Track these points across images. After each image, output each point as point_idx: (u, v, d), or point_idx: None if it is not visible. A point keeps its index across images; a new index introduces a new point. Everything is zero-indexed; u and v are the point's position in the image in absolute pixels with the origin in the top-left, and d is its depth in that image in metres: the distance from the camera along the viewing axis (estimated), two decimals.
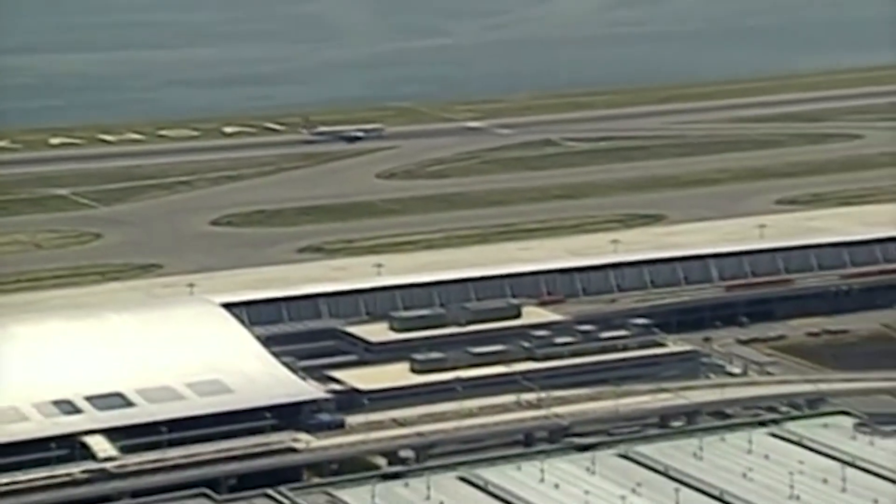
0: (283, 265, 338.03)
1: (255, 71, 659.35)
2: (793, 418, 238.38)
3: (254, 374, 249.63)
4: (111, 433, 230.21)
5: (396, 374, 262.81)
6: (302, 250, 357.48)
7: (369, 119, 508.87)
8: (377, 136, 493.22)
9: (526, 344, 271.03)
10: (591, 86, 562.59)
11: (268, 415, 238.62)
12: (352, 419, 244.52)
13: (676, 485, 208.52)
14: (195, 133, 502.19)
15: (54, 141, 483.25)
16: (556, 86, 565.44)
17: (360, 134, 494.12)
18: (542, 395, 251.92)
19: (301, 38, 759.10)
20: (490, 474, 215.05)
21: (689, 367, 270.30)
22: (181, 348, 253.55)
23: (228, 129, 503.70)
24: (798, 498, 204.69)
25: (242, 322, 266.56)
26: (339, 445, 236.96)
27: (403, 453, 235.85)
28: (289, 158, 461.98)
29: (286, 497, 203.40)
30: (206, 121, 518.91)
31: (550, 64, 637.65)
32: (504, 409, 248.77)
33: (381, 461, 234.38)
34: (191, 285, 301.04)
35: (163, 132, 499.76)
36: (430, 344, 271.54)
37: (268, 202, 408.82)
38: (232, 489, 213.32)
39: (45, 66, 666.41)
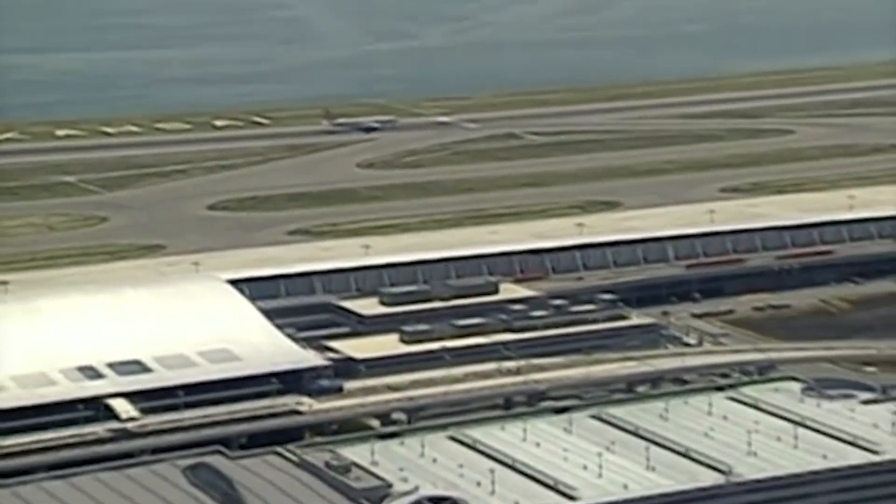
0: (275, 246, 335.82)
1: (239, 70, 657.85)
2: (746, 384, 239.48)
3: (259, 343, 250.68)
4: (132, 396, 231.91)
5: (387, 345, 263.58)
6: (292, 232, 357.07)
7: (385, 112, 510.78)
8: (392, 128, 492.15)
9: (504, 317, 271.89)
10: (547, 85, 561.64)
11: (273, 380, 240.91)
12: (349, 385, 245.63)
13: (646, 443, 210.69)
14: (188, 126, 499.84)
15: (60, 132, 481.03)
16: (516, 84, 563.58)
17: (375, 125, 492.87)
18: (521, 363, 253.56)
19: (282, 40, 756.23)
20: (477, 434, 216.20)
21: (650, 338, 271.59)
22: (192, 320, 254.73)
23: (219, 123, 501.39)
24: (755, 454, 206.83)
25: (246, 297, 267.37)
26: (338, 408, 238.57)
27: (396, 415, 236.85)
28: (276, 149, 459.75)
29: (293, 454, 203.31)
30: (197, 115, 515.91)
31: (509, 65, 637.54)
32: (486, 375, 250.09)
33: (376, 423, 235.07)
34: (196, 263, 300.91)
35: (159, 125, 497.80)
36: (417, 317, 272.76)
37: (258, 189, 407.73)
38: (242, 447, 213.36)
39: (48, 64, 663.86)
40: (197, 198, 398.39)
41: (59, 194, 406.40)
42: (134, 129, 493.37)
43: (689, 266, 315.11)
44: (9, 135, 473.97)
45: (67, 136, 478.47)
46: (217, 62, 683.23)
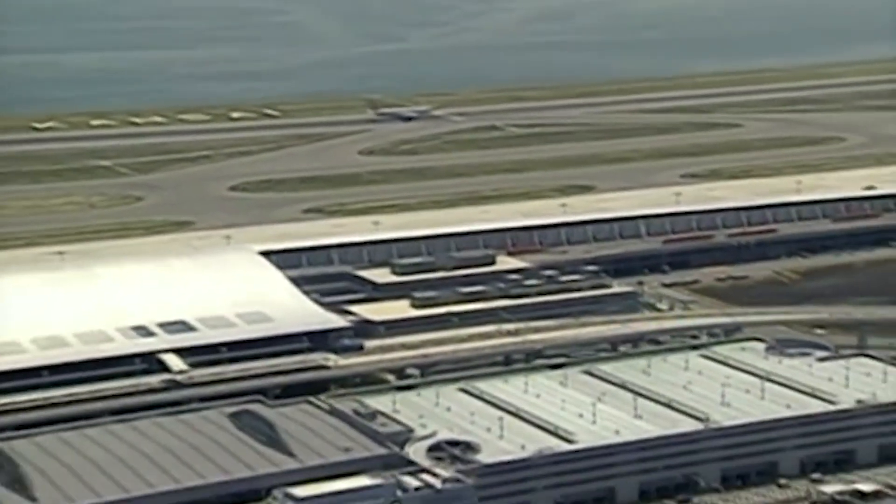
0: (292, 223, 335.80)
1: (247, 68, 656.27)
2: (716, 343, 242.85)
3: (289, 307, 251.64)
4: (181, 352, 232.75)
5: (400, 309, 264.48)
6: (306, 211, 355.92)
7: (422, 102, 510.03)
8: (428, 117, 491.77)
9: (501, 285, 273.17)
10: (523, 82, 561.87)
11: (302, 339, 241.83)
12: (368, 343, 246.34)
13: (632, 395, 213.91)
14: (207, 117, 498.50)
15: (94, 122, 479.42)
16: (495, 82, 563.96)
17: (413, 114, 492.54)
18: (518, 325, 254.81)
19: (283, 42, 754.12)
20: (483, 386, 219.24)
21: (628, 304, 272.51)
22: (230, 286, 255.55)
23: (235, 115, 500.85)
24: (728, 404, 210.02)
25: (274, 266, 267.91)
26: (360, 364, 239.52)
27: (410, 371, 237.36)
28: (287, 138, 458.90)
29: (324, 403, 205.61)
30: (214, 107, 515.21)
31: (488, 65, 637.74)
32: (487, 336, 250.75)
33: (391, 377, 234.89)
34: (228, 237, 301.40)
35: (181, 116, 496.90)
36: (425, 285, 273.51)
37: (273, 172, 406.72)
38: (277, 397, 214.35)
39: (79, 62, 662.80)
40: (220, 180, 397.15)
41: (98, 176, 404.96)
42: (159, 119, 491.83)
43: (665, 242, 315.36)
44: (50, 124, 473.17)
45: (101, 126, 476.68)
46: (227, 61, 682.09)
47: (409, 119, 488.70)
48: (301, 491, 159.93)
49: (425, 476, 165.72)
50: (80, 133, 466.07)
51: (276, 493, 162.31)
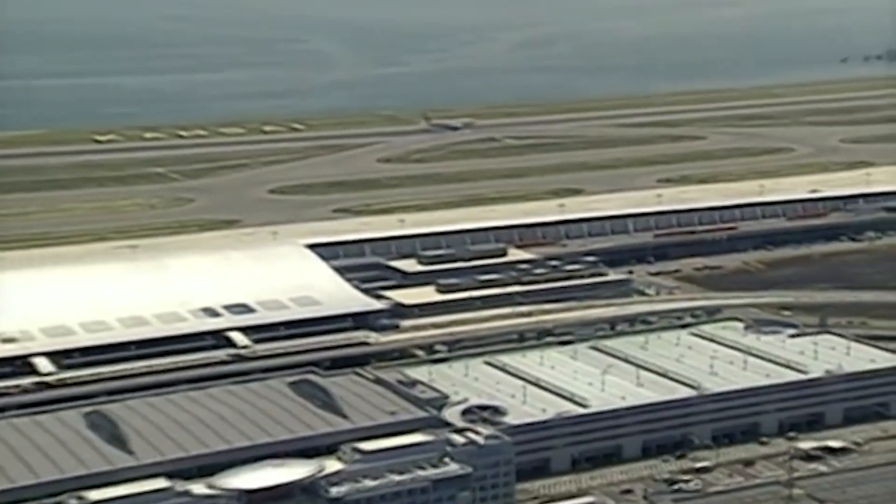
0: (324, 221, 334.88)
1: (274, 89, 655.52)
2: (701, 323, 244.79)
3: (334, 292, 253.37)
4: (244, 330, 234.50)
5: (427, 294, 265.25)
6: (335, 210, 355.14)
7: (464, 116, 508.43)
8: (470, 127, 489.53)
9: (513, 273, 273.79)
10: (513, 101, 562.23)
11: (347, 320, 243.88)
12: (402, 323, 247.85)
13: (633, 367, 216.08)
14: (243, 131, 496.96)
15: (147, 135, 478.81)
16: (488, 100, 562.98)
17: (458, 125, 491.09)
18: (530, 307, 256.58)
19: (303, 66, 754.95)
20: (505, 359, 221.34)
21: (623, 289, 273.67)
22: (282, 274, 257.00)
23: (266, 128, 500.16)
24: (716, 374, 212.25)
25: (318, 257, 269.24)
26: (396, 341, 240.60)
27: (439, 346, 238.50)
28: (313, 149, 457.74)
29: (369, 373, 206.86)
30: (248, 122, 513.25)
31: (481, 86, 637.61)
32: (503, 317, 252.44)
33: (423, 352, 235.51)
34: (275, 233, 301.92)
35: (220, 130, 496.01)
36: (448, 273, 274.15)
37: (304, 178, 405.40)
38: (327, 369, 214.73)
39: (133, 85, 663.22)
40: (259, 184, 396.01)
41: (154, 181, 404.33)
42: (202, 132, 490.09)
43: (655, 236, 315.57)
44: (110, 136, 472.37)
45: (153, 138, 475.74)
46: (256, 83, 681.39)
47: (455, 128, 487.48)
48: (367, 446, 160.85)
49: (469, 434, 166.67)
50: (136, 144, 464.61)
51: (344, 447, 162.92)
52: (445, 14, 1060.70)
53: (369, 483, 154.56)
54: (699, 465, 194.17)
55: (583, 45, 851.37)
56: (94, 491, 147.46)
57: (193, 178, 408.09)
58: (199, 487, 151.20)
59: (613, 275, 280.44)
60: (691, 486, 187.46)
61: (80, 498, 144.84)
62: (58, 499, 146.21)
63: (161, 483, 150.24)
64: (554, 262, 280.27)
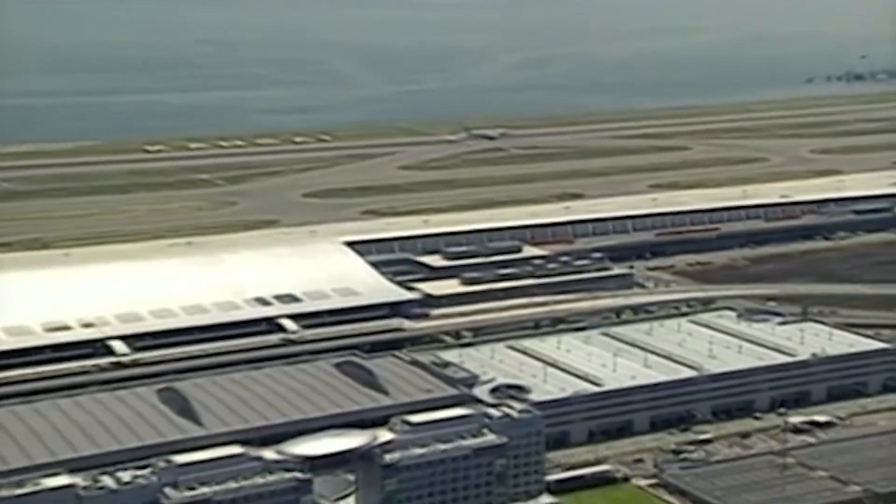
0: (354, 221, 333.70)
1: (302, 104, 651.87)
2: (697, 312, 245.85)
3: (370, 284, 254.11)
4: (293, 317, 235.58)
5: (452, 286, 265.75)
6: (364, 212, 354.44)
7: (500, 126, 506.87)
8: (504, 137, 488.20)
9: (529, 268, 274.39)
10: (516, 115, 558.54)
11: (383, 308, 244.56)
12: (431, 312, 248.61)
13: (641, 351, 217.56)
14: (277, 141, 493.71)
15: (192, 146, 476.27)
16: (494, 114, 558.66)
17: (494, 135, 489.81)
18: (544, 298, 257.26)
19: (327, 84, 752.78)
20: (526, 344, 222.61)
21: (626, 282, 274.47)
22: (323, 267, 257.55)
23: (297, 139, 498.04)
24: (715, 357, 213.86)
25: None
26: (427, 327, 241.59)
27: (464, 332, 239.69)
28: (340, 157, 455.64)
29: (406, 356, 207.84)
30: (281, 134, 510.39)
31: (486, 101, 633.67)
32: (521, 306, 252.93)
33: (450, 338, 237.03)
34: (313, 231, 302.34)
35: (256, 140, 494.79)
36: (470, 268, 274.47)
37: (334, 183, 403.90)
38: (367, 352, 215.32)
39: (177, 101, 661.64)
40: (293, 189, 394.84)
41: (200, 186, 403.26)
42: (240, 143, 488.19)
43: (656, 235, 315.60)
44: (158, 147, 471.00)
45: (197, 148, 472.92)
46: (286, 99, 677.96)
47: (492, 138, 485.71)
48: (415, 418, 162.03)
49: (504, 408, 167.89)
50: (181, 154, 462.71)
51: (394, 420, 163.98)
52: (447, 39, 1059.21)
53: (417, 451, 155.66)
54: (701, 437, 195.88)
55: (574, 66, 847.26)
56: (178, 456, 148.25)
57: (235, 184, 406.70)
58: (269, 454, 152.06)
59: (617, 269, 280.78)
60: (695, 455, 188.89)
61: (167, 461, 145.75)
62: (147, 461, 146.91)
63: (236, 449, 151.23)
64: (564, 258, 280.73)
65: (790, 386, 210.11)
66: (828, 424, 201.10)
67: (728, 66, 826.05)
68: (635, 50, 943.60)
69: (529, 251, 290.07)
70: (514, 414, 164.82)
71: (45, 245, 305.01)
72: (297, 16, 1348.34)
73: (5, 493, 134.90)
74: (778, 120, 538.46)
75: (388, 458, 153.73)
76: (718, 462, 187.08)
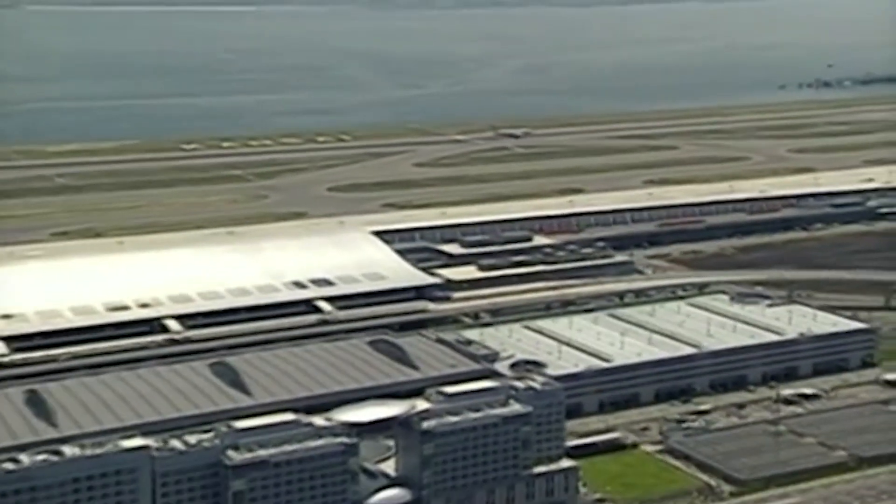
0: (376, 213, 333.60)
1: (319, 107, 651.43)
2: (694, 295, 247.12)
3: (396, 269, 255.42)
4: (328, 300, 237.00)
5: (470, 272, 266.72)
6: (384, 205, 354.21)
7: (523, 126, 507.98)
8: (528, 136, 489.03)
9: (539, 255, 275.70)
10: (517, 117, 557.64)
11: (409, 292, 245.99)
12: (452, 295, 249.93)
13: (645, 331, 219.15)
14: (300, 140, 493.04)
15: (224, 144, 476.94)
16: (496, 117, 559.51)
17: (519, 133, 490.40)
18: (554, 283, 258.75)
19: (340, 89, 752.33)
20: (541, 324, 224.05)
21: (627, 268, 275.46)
22: (353, 255, 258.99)
23: (320, 139, 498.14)
24: (712, 336, 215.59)
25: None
26: (449, 309, 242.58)
27: (483, 314, 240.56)
28: (359, 155, 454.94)
29: (431, 334, 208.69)
30: (304, 134, 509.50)
31: (488, 105, 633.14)
32: (533, 290, 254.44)
33: (469, 319, 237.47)
34: (341, 222, 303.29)
35: (282, 140, 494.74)
36: (486, 255, 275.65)
37: (355, 179, 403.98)
38: (396, 331, 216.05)
39: (208, 104, 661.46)
40: (319, 184, 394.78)
41: (233, 181, 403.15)
42: (267, 142, 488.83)
43: (658, 226, 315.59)
44: (193, 145, 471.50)
45: (229, 146, 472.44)
46: (305, 102, 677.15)
47: (517, 137, 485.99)
48: (449, 389, 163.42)
49: (528, 381, 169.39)
50: (215, 151, 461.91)
51: (429, 391, 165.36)
52: (449, 48, 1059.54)
53: (452, 419, 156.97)
54: (701, 408, 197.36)
55: (572, 72, 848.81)
56: (238, 422, 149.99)
57: (265, 179, 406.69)
58: (319, 420, 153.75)
59: (619, 257, 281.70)
60: (696, 424, 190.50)
61: (228, 426, 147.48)
62: (210, 426, 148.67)
63: (289, 416, 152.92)
64: (571, 247, 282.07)
65: (780, 362, 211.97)
66: (814, 396, 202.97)
67: (707, 72, 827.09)
68: (623, 58, 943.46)
69: (539, 240, 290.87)
70: (538, 386, 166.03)
71: (98, 234, 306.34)
72: (309, 26, 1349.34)
73: (88, 452, 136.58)
74: (756, 122, 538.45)
75: (425, 425, 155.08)
76: (717, 430, 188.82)
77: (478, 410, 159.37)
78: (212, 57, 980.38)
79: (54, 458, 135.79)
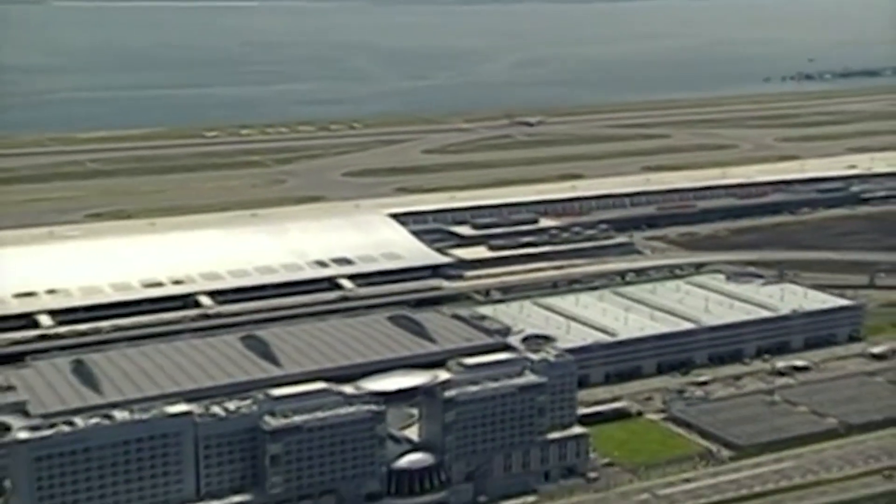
0: (390, 197, 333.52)
1: (331, 97, 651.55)
2: (692, 274, 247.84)
3: (413, 249, 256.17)
4: (348, 277, 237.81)
5: (481, 252, 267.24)
6: (397, 190, 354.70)
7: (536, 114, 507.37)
8: (542, 124, 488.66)
9: (546, 237, 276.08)
10: (519, 107, 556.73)
11: (424, 270, 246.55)
12: (465, 274, 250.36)
13: (647, 307, 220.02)
14: (314, 128, 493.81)
15: (243, 131, 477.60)
16: (500, 106, 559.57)
17: (533, 122, 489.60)
18: (560, 262, 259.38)
19: (350, 80, 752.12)
20: (550, 301, 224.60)
21: (628, 249, 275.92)
22: (371, 235, 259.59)
23: (333, 126, 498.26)
24: (710, 312, 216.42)
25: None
26: (462, 287, 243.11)
27: (494, 292, 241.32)
28: (371, 143, 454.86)
29: (447, 310, 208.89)
30: (318, 122, 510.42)
31: (492, 95, 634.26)
32: (541, 269, 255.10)
33: (480, 296, 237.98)
34: (357, 205, 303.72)
35: (298, 128, 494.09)
36: (495, 236, 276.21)
37: (368, 164, 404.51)
38: (413, 307, 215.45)
39: (227, 94, 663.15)
40: (334, 169, 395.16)
41: (253, 166, 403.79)
42: (283, 129, 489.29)
43: (657, 209, 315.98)
44: (214, 132, 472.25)
45: (248, 133, 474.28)
46: (318, 92, 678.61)
47: (531, 125, 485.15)
48: (469, 360, 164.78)
49: (543, 353, 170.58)
50: (235, 139, 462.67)
51: (451, 363, 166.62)
52: (452, 42, 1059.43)
53: (472, 388, 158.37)
54: (700, 379, 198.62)
55: (571, 64, 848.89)
56: (273, 390, 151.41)
57: (283, 164, 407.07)
58: (349, 389, 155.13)
59: (620, 238, 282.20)
60: (696, 394, 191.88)
61: (265, 394, 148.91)
62: (248, 394, 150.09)
63: (321, 385, 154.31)
64: (575, 229, 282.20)
65: (773, 337, 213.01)
66: (805, 368, 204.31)
67: (695, 66, 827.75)
68: (616, 53, 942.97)
69: (545, 222, 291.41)
70: (551, 358, 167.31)
71: (129, 216, 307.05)
72: (318, 22, 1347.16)
73: (137, 416, 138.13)
74: (744, 112, 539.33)
75: (447, 394, 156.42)
76: (716, 400, 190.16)
77: (496, 380, 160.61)
78: (230, 50, 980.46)
79: (106, 422, 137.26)
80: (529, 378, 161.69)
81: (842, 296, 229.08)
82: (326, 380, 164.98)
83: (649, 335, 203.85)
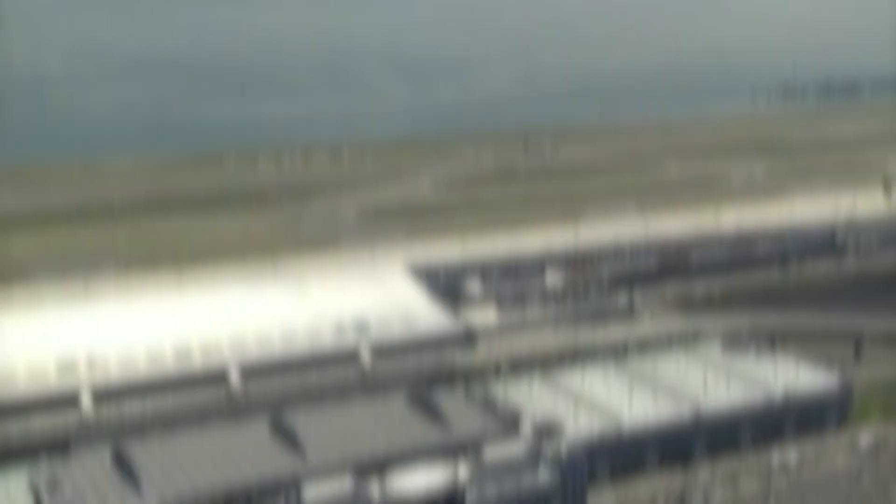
0: (402, 242, 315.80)
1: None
2: (690, 342, 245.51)
3: (426, 312, 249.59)
4: (368, 347, 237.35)
5: (490, 315, 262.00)
6: (408, 233, 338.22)
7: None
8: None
9: (551, 297, 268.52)
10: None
11: (439, 338, 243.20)
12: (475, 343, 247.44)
13: (650, 387, 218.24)
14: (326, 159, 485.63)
15: (260, 164, 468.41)
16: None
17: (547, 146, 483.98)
18: (566, 329, 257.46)
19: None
20: (557, 378, 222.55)
21: (629, 312, 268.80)
22: (387, 292, 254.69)
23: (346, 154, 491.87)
24: (709, 392, 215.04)
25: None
26: (473, 361, 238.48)
27: (503, 363, 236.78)
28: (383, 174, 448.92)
29: (460, 388, 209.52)
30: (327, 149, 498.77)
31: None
32: (548, 338, 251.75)
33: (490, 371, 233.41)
34: (372, 255, 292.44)
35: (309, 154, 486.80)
36: (504, 296, 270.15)
37: (380, 203, 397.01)
38: (428, 381, 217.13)
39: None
40: (347, 209, 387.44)
41: (269, 205, 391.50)
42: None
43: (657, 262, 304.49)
44: (230, 163, 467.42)
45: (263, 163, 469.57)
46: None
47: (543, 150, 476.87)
48: (486, 458, 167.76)
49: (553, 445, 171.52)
50: (251, 172, 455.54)
51: (467, 458, 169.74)
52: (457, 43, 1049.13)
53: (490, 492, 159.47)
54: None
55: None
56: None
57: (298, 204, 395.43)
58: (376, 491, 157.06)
59: (621, 300, 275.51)
60: None
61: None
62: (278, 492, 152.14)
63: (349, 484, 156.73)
64: (580, 287, 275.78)
65: (768, 423, 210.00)
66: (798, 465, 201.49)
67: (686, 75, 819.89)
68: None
69: (550, 277, 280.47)
70: (563, 454, 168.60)
71: (154, 264, 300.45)
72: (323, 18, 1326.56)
73: None
74: (729, 136, 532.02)
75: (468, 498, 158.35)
76: None
77: (513, 478, 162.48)
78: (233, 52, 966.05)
79: None
80: (543, 477, 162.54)
81: (829, 368, 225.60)
82: (351, 471, 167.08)
83: (653, 426, 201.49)
